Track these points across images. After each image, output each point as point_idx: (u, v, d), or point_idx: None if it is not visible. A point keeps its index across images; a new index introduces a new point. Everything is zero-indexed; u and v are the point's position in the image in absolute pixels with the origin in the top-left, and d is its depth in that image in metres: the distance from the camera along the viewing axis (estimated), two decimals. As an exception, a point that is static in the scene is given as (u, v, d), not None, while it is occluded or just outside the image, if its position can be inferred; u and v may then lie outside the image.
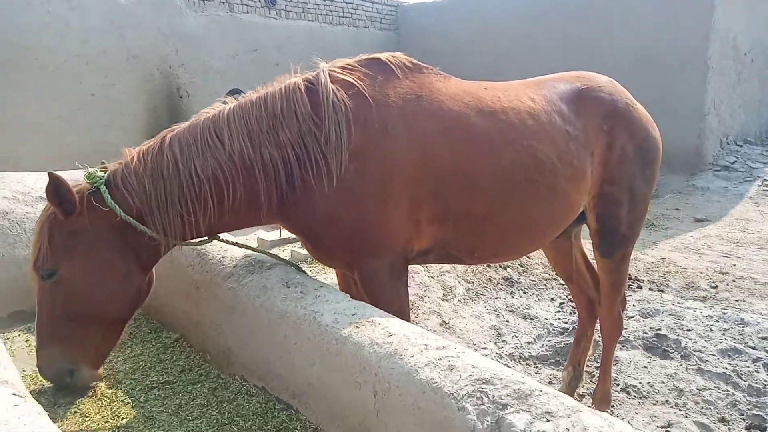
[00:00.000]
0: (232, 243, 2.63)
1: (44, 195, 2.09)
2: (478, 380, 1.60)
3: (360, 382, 1.83)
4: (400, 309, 2.33)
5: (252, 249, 2.64)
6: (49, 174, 2.04)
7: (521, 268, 5.65)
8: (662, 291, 5.16)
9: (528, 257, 5.71)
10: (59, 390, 2.26)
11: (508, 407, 1.50)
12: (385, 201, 2.26)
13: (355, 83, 2.29)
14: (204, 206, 2.17)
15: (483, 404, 1.53)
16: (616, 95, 2.82)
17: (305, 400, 2.06)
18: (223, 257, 2.64)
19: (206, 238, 2.42)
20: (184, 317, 2.69)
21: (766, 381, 3.53)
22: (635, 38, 9.76)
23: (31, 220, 2.61)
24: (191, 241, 2.35)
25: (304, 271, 2.50)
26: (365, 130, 2.23)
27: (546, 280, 5.44)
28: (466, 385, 1.59)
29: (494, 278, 5.39)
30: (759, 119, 12.11)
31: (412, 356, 1.74)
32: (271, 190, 2.21)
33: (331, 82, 2.27)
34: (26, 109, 7.76)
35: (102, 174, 2.19)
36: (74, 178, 2.26)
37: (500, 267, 5.55)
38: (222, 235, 2.61)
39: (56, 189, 2.05)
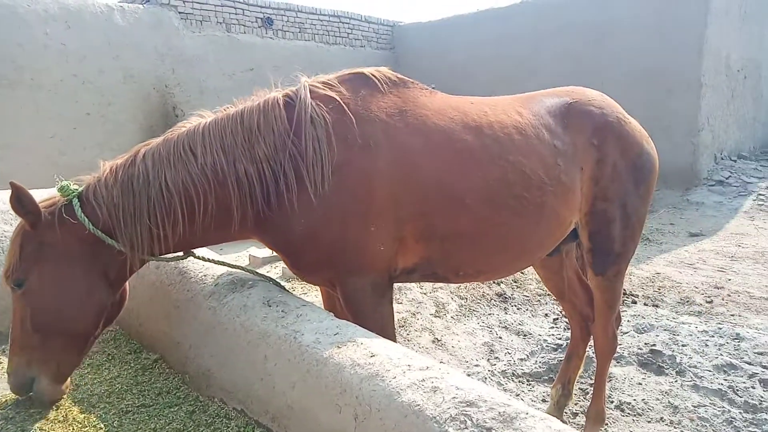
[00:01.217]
0: (212, 260, 2.57)
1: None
2: (462, 402, 1.54)
3: (340, 405, 1.76)
4: (384, 328, 2.27)
5: (233, 266, 2.57)
6: (11, 184, 2.00)
7: (515, 284, 5.60)
8: (657, 306, 5.10)
9: (522, 273, 5.66)
10: (28, 405, 2.19)
11: (493, 431, 1.44)
12: (367, 218, 2.20)
13: (337, 98, 2.25)
14: (173, 220, 2.12)
15: (466, 428, 1.47)
16: (607, 109, 2.76)
17: (285, 423, 1.99)
18: (204, 275, 2.58)
19: (180, 253, 2.37)
20: (164, 338, 2.61)
21: (762, 397, 3.46)
22: (632, 58, 9.83)
23: (8, 238, 2.54)
24: (164, 256, 2.29)
25: (286, 290, 2.45)
26: (346, 146, 2.19)
27: (540, 295, 5.38)
28: (449, 408, 1.53)
29: (487, 294, 5.33)
30: (753, 135, 12.17)
31: (395, 377, 1.68)
32: (245, 205, 2.16)
33: (312, 97, 2.23)
34: (22, 128, 7.74)
35: (76, 187, 2.16)
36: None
37: (494, 283, 5.49)
38: (201, 252, 2.56)
39: (18, 199, 2.02)
